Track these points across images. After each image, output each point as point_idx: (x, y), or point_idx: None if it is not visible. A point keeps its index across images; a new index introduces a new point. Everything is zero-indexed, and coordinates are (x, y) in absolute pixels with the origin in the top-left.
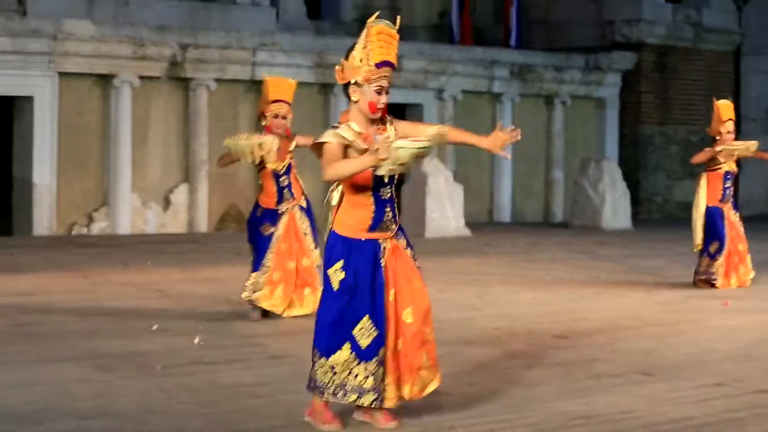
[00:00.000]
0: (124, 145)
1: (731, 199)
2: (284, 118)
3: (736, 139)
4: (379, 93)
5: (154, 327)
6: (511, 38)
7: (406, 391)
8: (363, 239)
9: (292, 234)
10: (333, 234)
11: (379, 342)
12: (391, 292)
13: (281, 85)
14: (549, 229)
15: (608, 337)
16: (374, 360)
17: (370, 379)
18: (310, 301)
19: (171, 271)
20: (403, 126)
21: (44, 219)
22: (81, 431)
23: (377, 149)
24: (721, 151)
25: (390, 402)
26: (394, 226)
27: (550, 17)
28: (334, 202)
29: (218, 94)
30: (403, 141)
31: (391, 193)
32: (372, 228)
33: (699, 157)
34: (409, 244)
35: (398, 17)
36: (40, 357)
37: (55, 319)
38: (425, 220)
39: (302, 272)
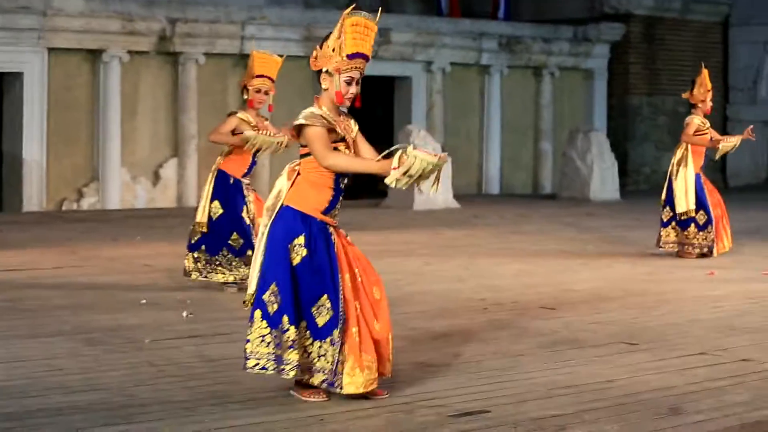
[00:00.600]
0: (114, 120)
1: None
2: (266, 93)
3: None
4: (348, 83)
5: (143, 301)
6: (500, 10)
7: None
8: (317, 219)
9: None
10: (289, 209)
11: (333, 323)
12: (347, 276)
13: (267, 60)
14: (537, 200)
15: (593, 307)
16: (328, 339)
17: (322, 360)
18: None
19: (160, 246)
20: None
21: (34, 195)
22: (68, 405)
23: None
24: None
25: (353, 387)
26: (337, 217)
27: None
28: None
29: (207, 69)
30: (420, 151)
31: (346, 183)
32: (326, 211)
33: (689, 137)
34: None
35: (380, 9)
36: (29, 332)
37: (43, 294)
38: (413, 193)
39: None
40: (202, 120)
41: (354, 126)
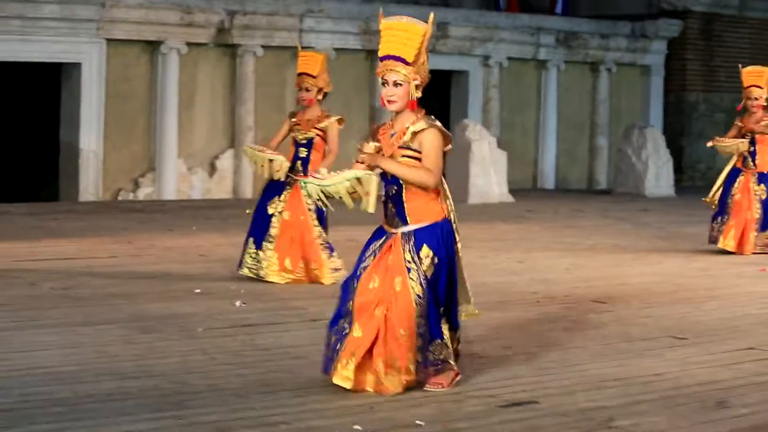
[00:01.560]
0: (171, 111)
1: (753, 167)
2: (307, 90)
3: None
4: (384, 85)
5: (197, 291)
6: (558, 5)
7: (369, 381)
8: (382, 225)
9: (297, 206)
10: None
11: (339, 314)
12: (373, 281)
13: (306, 58)
14: (592, 195)
15: (644, 301)
16: (334, 329)
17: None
18: (319, 275)
19: (215, 236)
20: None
21: (90, 184)
22: (120, 391)
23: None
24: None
25: (340, 378)
26: (400, 224)
27: None
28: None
29: (265, 61)
30: (318, 178)
31: (387, 193)
32: (385, 217)
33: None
34: (418, 246)
35: (431, 14)
36: (84, 320)
37: (98, 282)
38: (468, 186)
39: (306, 246)
40: (259, 112)
41: (411, 129)
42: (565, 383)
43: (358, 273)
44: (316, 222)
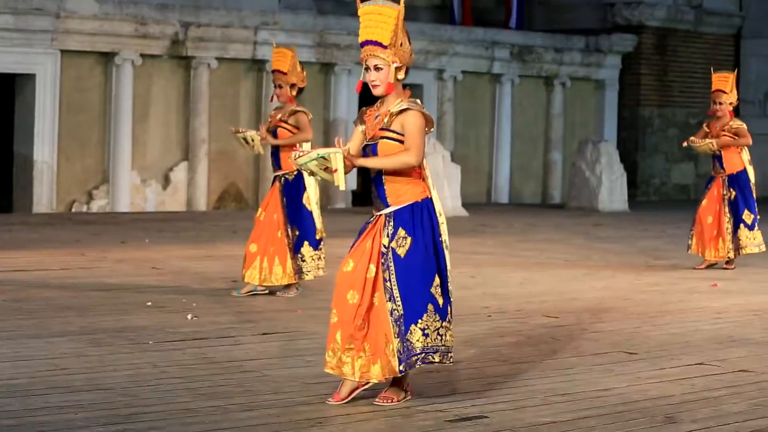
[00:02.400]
0: (125, 122)
1: (722, 171)
2: (280, 87)
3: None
4: (366, 70)
5: (148, 303)
6: (512, 19)
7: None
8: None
9: (274, 204)
10: None
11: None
12: (371, 268)
13: (278, 54)
14: (546, 210)
15: (595, 316)
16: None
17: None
18: (278, 272)
19: (168, 249)
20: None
21: (44, 196)
22: (70, 404)
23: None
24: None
25: (328, 366)
26: (382, 206)
27: None
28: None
29: (219, 73)
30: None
31: (371, 173)
32: (373, 201)
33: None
34: (395, 229)
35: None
36: (35, 332)
37: (50, 294)
38: None
39: (276, 243)
40: (214, 124)
41: (395, 109)
42: (514, 398)
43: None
44: (284, 220)
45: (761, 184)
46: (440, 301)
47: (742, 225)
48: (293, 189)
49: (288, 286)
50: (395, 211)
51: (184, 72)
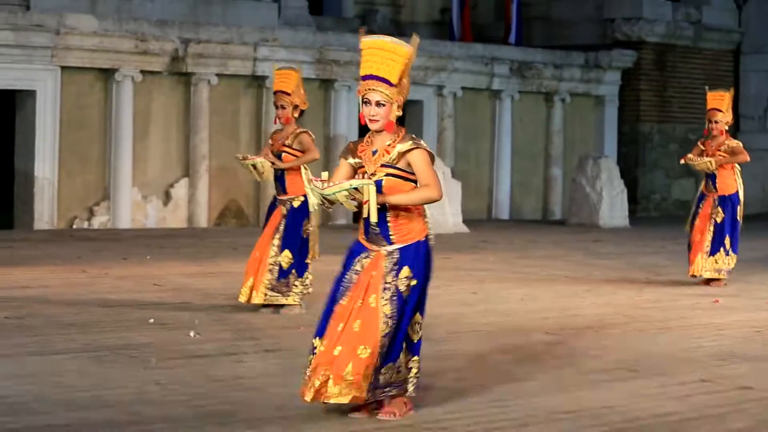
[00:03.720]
0: (125, 139)
1: (714, 191)
2: (283, 108)
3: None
4: (367, 104)
5: (151, 321)
6: (511, 35)
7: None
8: (359, 240)
9: (273, 227)
10: None
11: (316, 333)
12: (346, 298)
13: (281, 75)
14: (547, 226)
15: (597, 333)
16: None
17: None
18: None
19: (169, 265)
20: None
21: (45, 213)
22: (74, 421)
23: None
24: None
25: (308, 395)
26: (384, 243)
27: (551, 15)
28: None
29: (219, 89)
30: (318, 187)
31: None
32: (365, 234)
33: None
34: (399, 267)
35: (414, 36)
36: (38, 349)
37: (52, 311)
38: None
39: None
40: (214, 140)
41: (397, 150)
42: (517, 415)
43: (338, 295)
44: (277, 243)
45: (762, 199)
46: (415, 338)
47: (722, 249)
48: (298, 216)
49: (283, 306)
50: (401, 249)
51: (184, 88)
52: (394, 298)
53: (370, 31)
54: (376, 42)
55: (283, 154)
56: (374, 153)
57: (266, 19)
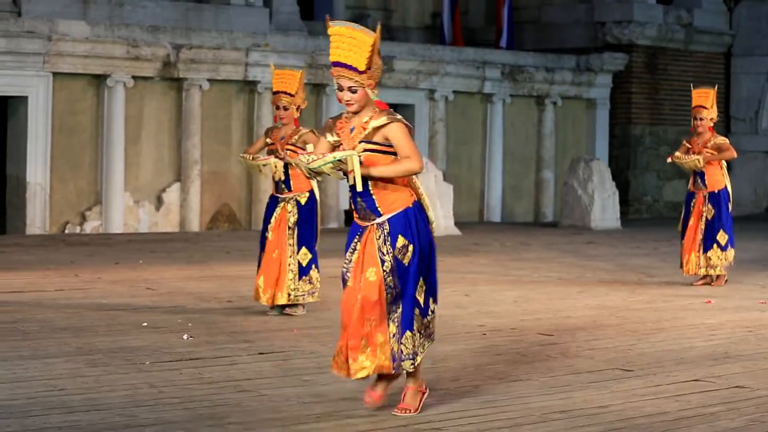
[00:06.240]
0: (117, 144)
1: (704, 187)
2: (285, 109)
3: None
4: (340, 90)
5: (144, 324)
6: (503, 39)
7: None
8: (354, 221)
9: (280, 225)
10: None
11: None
12: (370, 272)
13: (282, 76)
14: (539, 228)
15: (590, 334)
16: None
17: None
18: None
19: (162, 270)
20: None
21: (37, 218)
22: (68, 424)
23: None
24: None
25: (334, 368)
26: (373, 217)
27: (542, 18)
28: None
29: (211, 94)
30: (304, 160)
31: (354, 188)
32: (356, 212)
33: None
34: (393, 237)
35: (379, 22)
36: (31, 353)
37: (46, 315)
38: None
39: (281, 265)
40: (206, 145)
41: (372, 125)
42: (511, 416)
43: (345, 277)
44: (292, 242)
45: (753, 201)
46: (421, 300)
47: (715, 245)
48: (307, 212)
49: (294, 305)
50: (389, 219)
51: (176, 93)
52: (395, 267)
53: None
54: (342, 29)
55: (288, 152)
56: (352, 130)
57: (258, 25)
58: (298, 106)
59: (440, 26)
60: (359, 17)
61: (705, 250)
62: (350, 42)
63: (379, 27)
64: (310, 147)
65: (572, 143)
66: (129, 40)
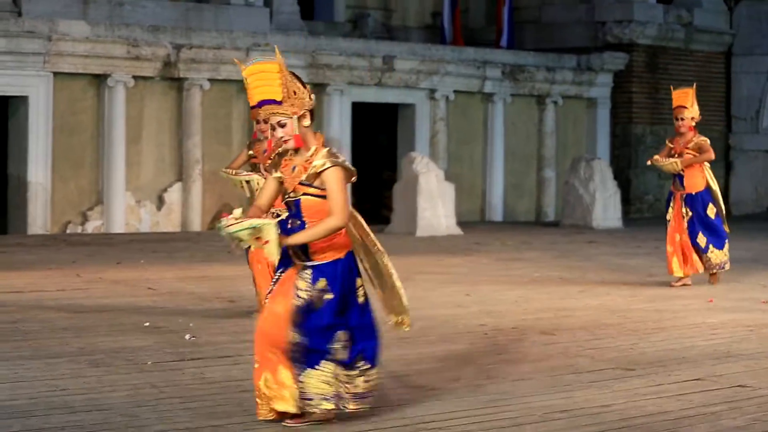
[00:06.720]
0: (118, 144)
1: (682, 189)
2: (266, 122)
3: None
4: (273, 129)
5: (146, 324)
6: (503, 39)
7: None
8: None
9: None
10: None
11: None
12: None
13: None
14: (540, 228)
15: (592, 333)
16: None
17: None
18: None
19: (163, 269)
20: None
21: (39, 217)
22: (70, 424)
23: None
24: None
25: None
26: (303, 259)
27: (542, 18)
28: None
29: (211, 94)
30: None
31: (292, 227)
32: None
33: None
34: (315, 278)
35: (276, 48)
36: (33, 353)
37: (47, 315)
38: (417, 219)
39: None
40: (207, 145)
41: (312, 169)
42: (512, 415)
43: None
44: None
45: (753, 200)
46: (344, 355)
47: (710, 246)
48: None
49: None
50: (319, 266)
51: (177, 93)
52: (305, 307)
53: (362, 36)
54: (251, 68)
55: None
56: (293, 169)
57: (258, 25)
58: None
59: (440, 26)
60: (359, 17)
61: (705, 251)
62: (262, 76)
63: (277, 52)
64: (237, 212)
65: (573, 142)
66: (129, 40)
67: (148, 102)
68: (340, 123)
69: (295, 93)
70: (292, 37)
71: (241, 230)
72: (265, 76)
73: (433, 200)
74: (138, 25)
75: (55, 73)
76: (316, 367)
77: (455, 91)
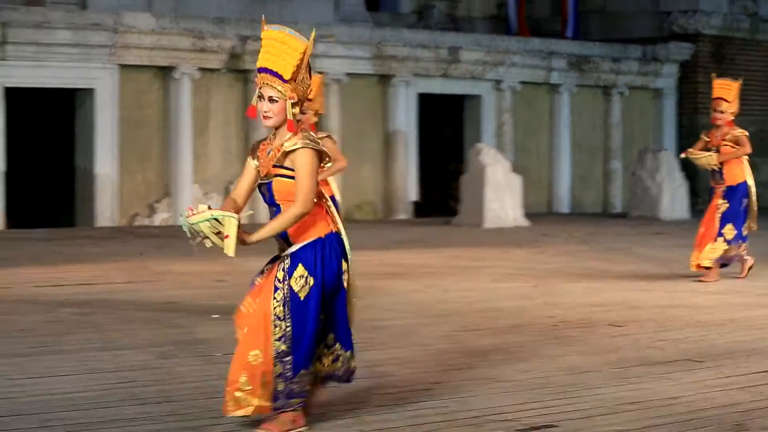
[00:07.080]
0: (185, 136)
1: (722, 182)
2: (303, 113)
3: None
4: (260, 99)
5: (214, 316)
6: (568, 29)
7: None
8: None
9: None
10: None
11: None
12: (245, 304)
13: None
14: (607, 219)
15: (661, 325)
16: None
17: None
18: None
19: (232, 261)
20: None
21: (106, 210)
22: (140, 416)
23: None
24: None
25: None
26: (285, 246)
27: (607, 8)
28: None
29: None
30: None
31: (269, 216)
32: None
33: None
34: (293, 267)
35: (312, 31)
36: (102, 345)
37: (116, 307)
38: (484, 211)
39: None
40: None
41: (283, 149)
42: (582, 407)
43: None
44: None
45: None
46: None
47: (720, 238)
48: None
49: None
50: (298, 249)
51: (242, 85)
52: (287, 299)
53: (427, 27)
54: (274, 33)
55: None
56: (269, 153)
57: (322, 16)
58: (316, 111)
59: (505, 16)
60: (424, 7)
61: (731, 243)
62: (280, 48)
63: (312, 34)
64: (203, 207)
65: (639, 133)
66: (195, 32)
67: (215, 94)
68: (406, 114)
69: (302, 80)
70: (356, 29)
71: (201, 221)
72: (283, 48)
73: (500, 192)
74: (203, 17)
75: (121, 66)
76: (309, 365)
77: (521, 82)
